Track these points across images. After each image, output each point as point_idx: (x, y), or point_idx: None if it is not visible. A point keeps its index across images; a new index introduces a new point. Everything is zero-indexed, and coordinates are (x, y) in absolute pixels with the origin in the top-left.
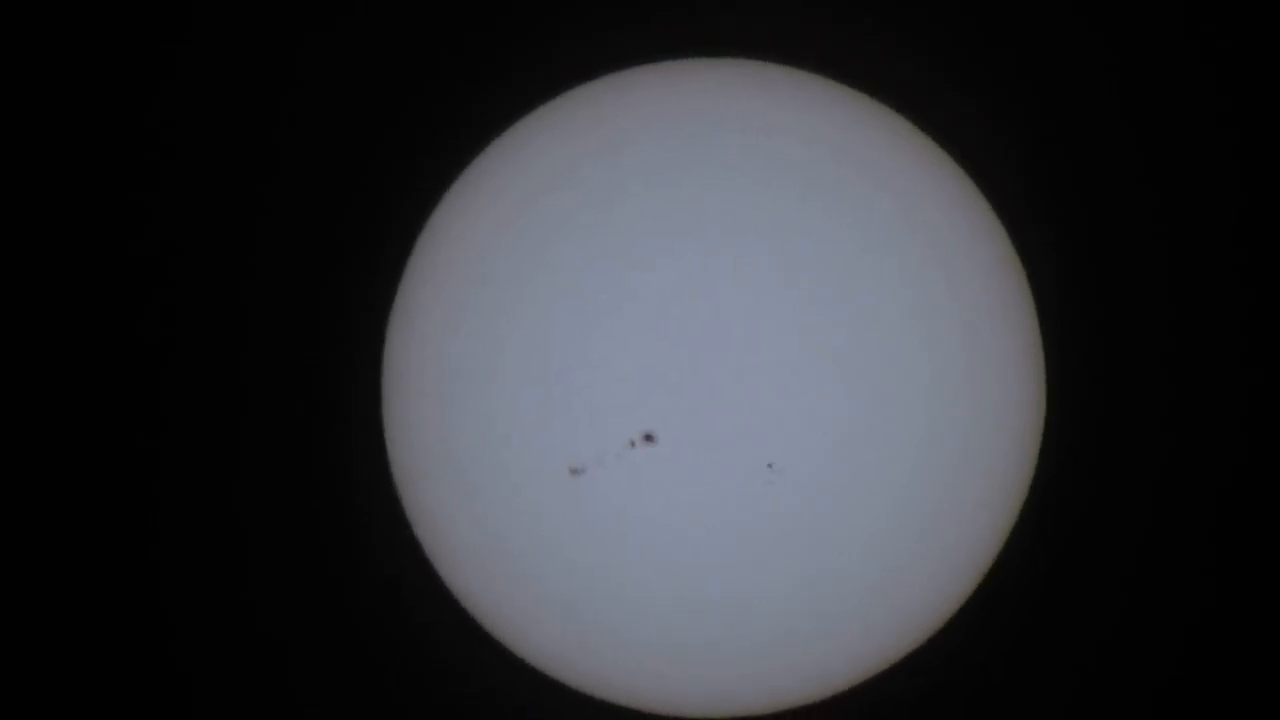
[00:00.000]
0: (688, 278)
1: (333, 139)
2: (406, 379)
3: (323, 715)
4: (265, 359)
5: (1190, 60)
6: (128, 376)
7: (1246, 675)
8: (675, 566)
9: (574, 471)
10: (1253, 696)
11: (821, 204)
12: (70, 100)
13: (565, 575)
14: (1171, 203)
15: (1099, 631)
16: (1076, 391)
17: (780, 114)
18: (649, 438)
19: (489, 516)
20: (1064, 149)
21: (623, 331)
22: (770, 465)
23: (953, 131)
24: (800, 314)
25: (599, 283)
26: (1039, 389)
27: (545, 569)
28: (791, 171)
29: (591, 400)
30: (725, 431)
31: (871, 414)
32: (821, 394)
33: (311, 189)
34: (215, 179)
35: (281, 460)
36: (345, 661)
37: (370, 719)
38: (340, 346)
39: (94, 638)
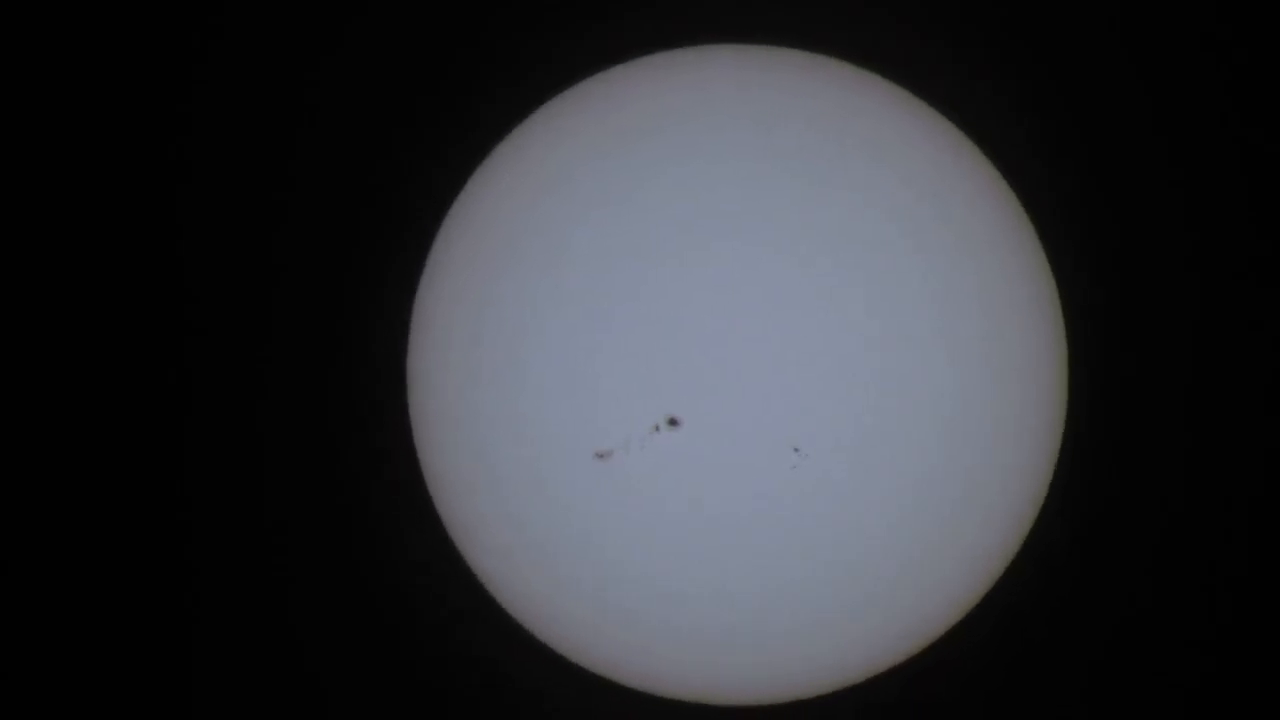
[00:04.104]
0: (711, 264)
1: (348, 140)
2: (431, 368)
3: (349, 700)
4: (289, 355)
5: (1221, 60)
6: (153, 381)
7: (1265, 677)
8: (700, 551)
9: (599, 456)
10: (1270, 701)
11: (846, 192)
12: (93, 105)
13: (590, 560)
14: (1200, 205)
15: (1117, 626)
16: (1100, 382)
17: (802, 101)
18: (673, 422)
19: (514, 501)
20: (1094, 148)
21: (647, 317)
22: (796, 450)
23: (983, 126)
24: (823, 299)
25: (623, 270)
26: (1062, 379)
27: (570, 553)
28: (815, 160)
29: (616, 385)
30: (750, 416)
31: (895, 400)
32: (846, 380)
33: (330, 189)
34: (232, 185)
35: (308, 452)
36: (370, 648)
37: (396, 704)
38: (364, 339)
39: (117, 621)
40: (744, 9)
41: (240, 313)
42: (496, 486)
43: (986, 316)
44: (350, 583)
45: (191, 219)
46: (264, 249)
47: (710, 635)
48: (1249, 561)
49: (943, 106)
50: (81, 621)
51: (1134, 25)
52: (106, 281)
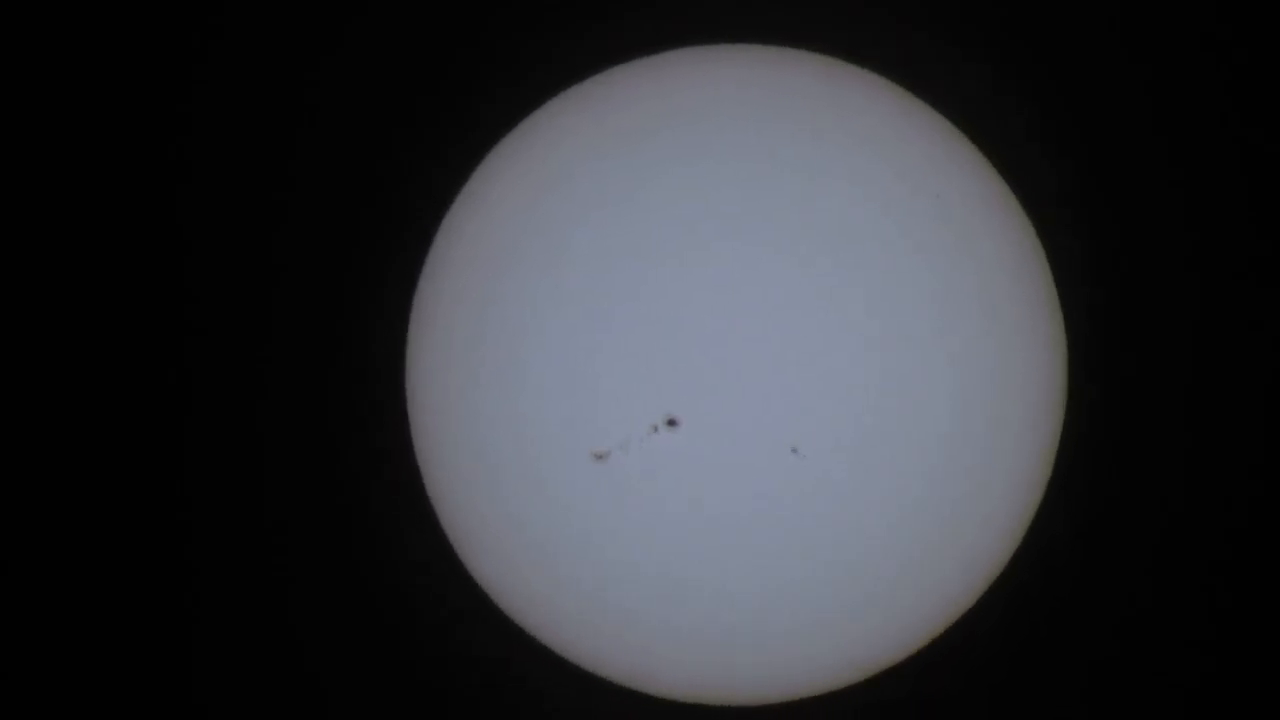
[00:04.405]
0: (711, 264)
1: (348, 140)
2: (431, 368)
3: (349, 700)
4: (289, 355)
5: (1221, 60)
6: (153, 381)
7: (1265, 677)
8: (700, 551)
9: (597, 457)
10: (1270, 701)
11: (846, 192)
12: (94, 105)
13: (589, 560)
14: (1200, 205)
15: (1117, 626)
16: (1100, 382)
17: (802, 101)
18: (672, 423)
19: (512, 501)
20: (1094, 147)
21: (646, 317)
22: (794, 450)
23: (984, 126)
24: (823, 299)
25: (622, 270)
26: (1062, 379)
27: (569, 553)
28: (815, 160)
29: (614, 385)
30: (748, 416)
31: (895, 400)
32: (846, 380)
33: (330, 189)
34: (232, 185)
35: (308, 452)
36: (370, 648)
37: (396, 704)
38: (364, 339)
39: (117, 621)
40: (744, 9)
41: (240, 313)
42: (496, 487)
43: (986, 316)
44: (350, 583)
45: (191, 219)
46: (264, 249)
47: (710, 635)
48: (1249, 561)
49: (943, 107)
50: (81, 621)
51: (1134, 25)
52: (107, 281)
